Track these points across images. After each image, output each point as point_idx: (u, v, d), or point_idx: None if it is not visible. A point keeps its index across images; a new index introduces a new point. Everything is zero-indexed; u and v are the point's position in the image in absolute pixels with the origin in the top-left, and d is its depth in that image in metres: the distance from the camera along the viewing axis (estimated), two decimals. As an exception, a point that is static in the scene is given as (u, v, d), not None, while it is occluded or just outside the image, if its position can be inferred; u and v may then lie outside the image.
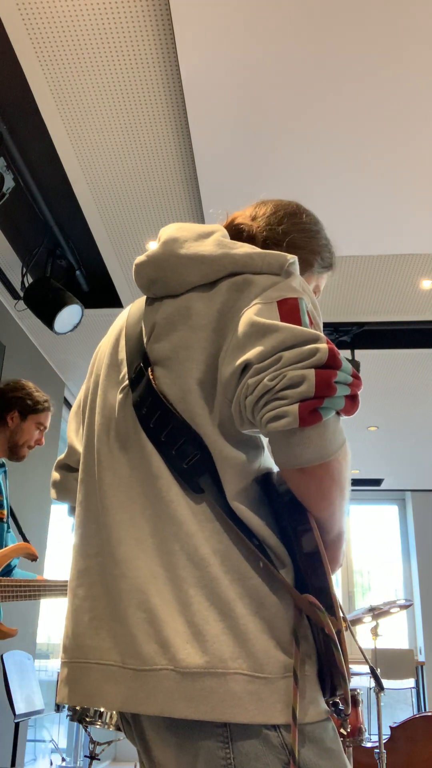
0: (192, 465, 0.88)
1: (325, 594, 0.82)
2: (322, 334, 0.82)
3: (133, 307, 1.07)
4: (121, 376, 1.01)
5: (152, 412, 0.92)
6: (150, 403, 0.92)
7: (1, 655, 3.09)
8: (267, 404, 0.79)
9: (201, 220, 3.13)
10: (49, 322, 3.24)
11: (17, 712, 2.93)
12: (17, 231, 3.28)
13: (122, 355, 1.03)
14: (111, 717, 2.94)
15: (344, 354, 4.08)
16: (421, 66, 2.26)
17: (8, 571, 2.20)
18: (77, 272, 3.53)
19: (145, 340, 0.98)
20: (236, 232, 1.09)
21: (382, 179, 2.78)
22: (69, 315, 3.29)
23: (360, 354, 4.21)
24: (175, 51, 2.27)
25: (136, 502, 0.91)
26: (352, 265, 3.46)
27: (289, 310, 0.84)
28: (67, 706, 3.06)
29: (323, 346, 0.79)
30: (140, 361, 0.97)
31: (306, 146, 2.63)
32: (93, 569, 0.93)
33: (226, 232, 1.02)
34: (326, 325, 4.01)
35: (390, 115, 2.47)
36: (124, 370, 1.00)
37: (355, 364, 4.01)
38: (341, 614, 0.84)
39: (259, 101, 2.43)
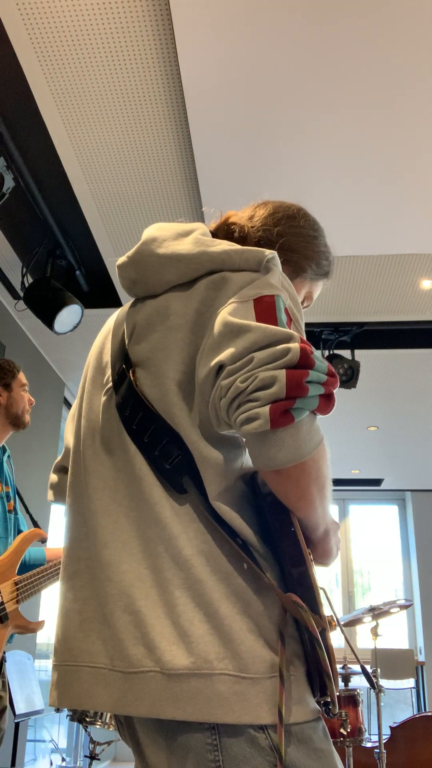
0: (174, 465, 0.88)
1: (308, 592, 0.83)
2: (295, 333, 0.81)
3: (121, 310, 1.07)
4: (105, 379, 1.01)
5: (135, 414, 0.92)
6: (132, 404, 0.92)
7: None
8: (240, 406, 0.79)
9: (201, 220, 3.12)
10: (49, 322, 3.24)
11: (17, 712, 2.93)
12: (17, 231, 3.28)
13: (107, 358, 1.03)
14: (111, 717, 2.94)
15: (344, 354, 4.09)
16: (424, 67, 2.26)
17: (21, 562, 2.21)
18: (77, 272, 3.53)
19: (126, 341, 0.99)
20: (228, 231, 1.08)
21: (382, 179, 2.78)
22: (69, 315, 3.29)
23: (360, 354, 4.20)
24: (175, 51, 2.27)
25: (121, 504, 0.91)
26: (352, 265, 3.46)
27: (265, 308, 0.84)
28: (67, 706, 3.05)
29: (294, 345, 0.78)
30: (122, 363, 0.97)
31: (306, 146, 2.63)
32: (83, 572, 0.94)
33: (206, 230, 1.02)
34: (326, 325, 4.01)
35: (391, 115, 2.47)
36: (108, 372, 1.01)
37: (355, 364, 4.01)
38: (328, 613, 0.85)
39: (259, 101, 2.43)
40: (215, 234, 1.09)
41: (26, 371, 4.17)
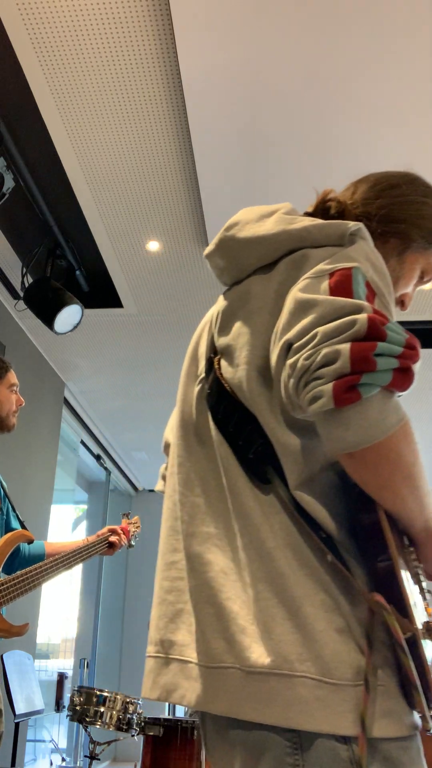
0: (257, 454, 0.84)
1: (394, 593, 0.75)
2: (366, 304, 0.74)
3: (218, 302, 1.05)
4: (199, 370, 0.99)
5: (220, 403, 0.89)
6: (217, 393, 0.90)
7: (1, 655, 3.09)
8: (306, 385, 0.73)
9: (201, 220, 3.13)
10: (49, 322, 3.24)
11: (17, 712, 2.93)
12: (17, 231, 3.28)
13: (202, 349, 1.01)
14: (111, 717, 2.94)
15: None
16: (426, 67, 2.26)
17: (17, 558, 2.18)
18: (77, 272, 3.53)
19: (214, 330, 0.97)
20: (324, 209, 1.01)
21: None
22: (69, 315, 3.29)
23: (360, 354, 4.20)
24: (175, 51, 2.27)
25: (210, 495, 0.89)
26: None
27: (340, 281, 0.77)
28: (67, 706, 3.06)
29: (362, 316, 0.72)
30: (211, 352, 0.96)
31: (306, 146, 2.63)
32: (179, 563, 0.92)
33: (291, 208, 0.95)
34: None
35: (393, 115, 2.47)
36: (202, 363, 0.99)
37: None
38: (424, 617, 0.78)
39: (259, 101, 2.43)
40: (313, 214, 1.01)
41: (26, 371, 4.17)
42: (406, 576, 0.78)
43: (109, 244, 3.34)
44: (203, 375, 0.97)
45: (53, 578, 2.09)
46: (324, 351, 0.72)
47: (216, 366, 0.92)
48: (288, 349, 0.78)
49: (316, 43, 2.19)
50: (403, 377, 0.73)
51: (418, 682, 0.72)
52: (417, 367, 0.75)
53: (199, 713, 0.89)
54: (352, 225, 0.85)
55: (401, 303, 1.05)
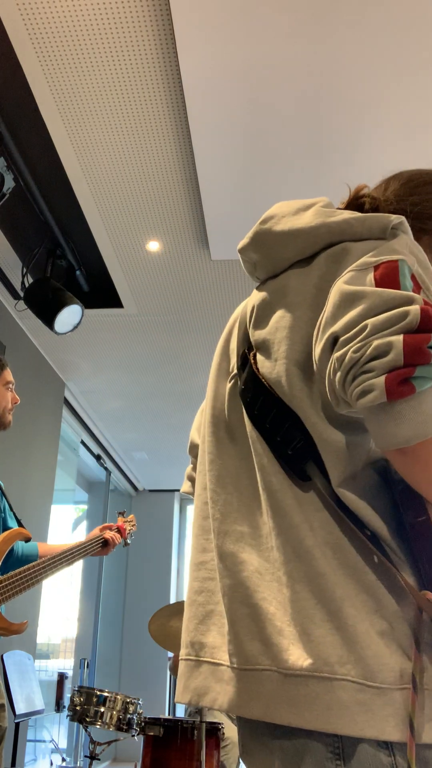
0: (297, 451, 0.82)
1: None
2: (417, 296, 0.71)
3: (250, 297, 1.03)
4: (231, 366, 0.98)
5: (256, 398, 0.87)
6: (253, 389, 0.87)
7: (1, 655, 3.09)
8: (355, 379, 0.71)
9: (201, 220, 3.13)
10: (49, 322, 3.24)
11: (17, 712, 2.93)
12: (17, 231, 3.28)
13: (233, 344, 0.99)
14: (111, 717, 2.94)
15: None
16: (428, 64, 2.26)
17: (11, 558, 2.19)
18: (77, 272, 3.53)
19: (248, 325, 0.94)
20: (358, 205, 0.99)
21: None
22: (69, 315, 3.29)
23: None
24: (175, 51, 2.27)
25: (243, 494, 0.87)
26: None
27: (386, 273, 0.75)
28: (67, 706, 3.06)
29: (414, 308, 0.69)
30: (245, 347, 0.93)
31: (307, 146, 2.63)
32: (209, 563, 0.90)
33: (329, 202, 0.93)
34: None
35: (394, 114, 2.47)
36: (234, 359, 0.97)
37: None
38: None
39: (260, 100, 2.43)
40: (345, 209, 0.99)
41: (26, 371, 4.17)
42: None
43: (109, 244, 3.34)
44: (236, 371, 0.95)
45: (48, 578, 2.09)
46: (375, 343, 0.69)
47: (252, 361, 0.89)
48: (334, 342, 0.75)
49: (317, 43, 2.19)
50: None
51: None
52: None
53: (238, 718, 0.87)
54: (395, 218, 0.83)
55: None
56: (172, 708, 5.32)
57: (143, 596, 7.21)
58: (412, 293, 0.72)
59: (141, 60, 2.32)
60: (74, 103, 2.50)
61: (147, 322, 4.07)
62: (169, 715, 5.35)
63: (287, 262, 0.91)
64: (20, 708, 2.96)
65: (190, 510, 8.05)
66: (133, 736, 2.97)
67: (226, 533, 0.87)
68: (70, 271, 3.52)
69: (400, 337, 0.68)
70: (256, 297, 0.95)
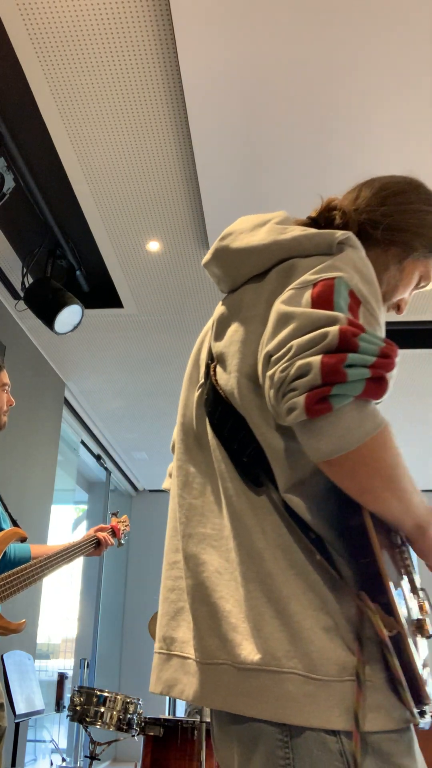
0: (251, 458, 0.87)
1: (377, 591, 0.77)
2: (341, 316, 0.76)
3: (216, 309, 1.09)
4: (200, 376, 1.02)
5: (215, 408, 0.93)
6: (213, 399, 0.93)
7: (1, 655, 3.09)
8: (284, 396, 0.76)
9: (201, 220, 3.13)
10: (49, 322, 3.24)
11: (17, 712, 2.93)
12: (17, 231, 3.28)
13: (203, 354, 1.04)
14: (111, 717, 2.94)
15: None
16: (427, 65, 2.25)
17: (3, 559, 2.19)
18: (77, 272, 3.53)
19: (211, 338, 1.00)
20: (329, 218, 1.02)
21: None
22: (69, 315, 3.29)
23: (360, 354, 4.19)
24: (175, 51, 2.27)
25: (207, 498, 0.93)
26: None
27: (322, 291, 0.80)
28: (67, 706, 3.06)
29: (333, 329, 0.74)
30: (208, 358, 0.99)
31: (307, 146, 2.63)
32: (180, 563, 0.95)
33: (285, 217, 0.98)
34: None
35: (395, 115, 2.46)
36: (202, 369, 1.02)
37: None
38: (410, 615, 0.79)
39: (260, 100, 2.43)
40: (315, 221, 1.03)
41: (26, 371, 4.17)
42: (393, 575, 0.80)
43: (109, 244, 3.34)
44: (203, 381, 1.00)
45: (44, 578, 2.10)
46: (297, 363, 0.75)
47: (212, 372, 0.95)
48: (269, 360, 0.80)
49: (318, 43, 2.19)
50: (376, 386, 0.75)
51: (402, 679, 0.75)
52: (394, 374, 0.77)
53: (211, 711, 0.92)
54: (340, 234, 0.87)
55: (397, 307, 1.09)
56: (173, 708, 5.32)
57: (143, 596, 7.21)
58: (336, 314, 0.76)
59: (141, 60, 2.32)
60: (74, 103, 2.50)
61: (147, 322, 4.07)
62: (169, 715, 5.35)
63: (244, 277, 0.96)
64: (20, 708, 2.96)
65: (190, 510, 8.04)
66: (133, 736, 2.97)
67: (190, 536, 0.92)
68: (70, 271, 3.52)
69: (319, 358, 0.73)
70: (217, 311, 1.01)
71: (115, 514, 2.64)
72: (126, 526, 2.58)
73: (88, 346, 4.38)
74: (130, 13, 2.15)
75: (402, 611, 0.78)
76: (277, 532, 0.83)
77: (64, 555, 2.20)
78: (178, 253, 3.39)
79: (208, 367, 0.98)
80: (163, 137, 2.66)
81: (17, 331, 4.06)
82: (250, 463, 0.87)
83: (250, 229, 0.96)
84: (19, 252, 3.41)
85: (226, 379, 0.92)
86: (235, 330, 0.93)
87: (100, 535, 2.37)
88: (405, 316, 3.92)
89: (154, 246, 3.35)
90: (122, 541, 2.53)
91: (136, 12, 2.15)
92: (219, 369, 0.95)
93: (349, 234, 0.88)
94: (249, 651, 0.79)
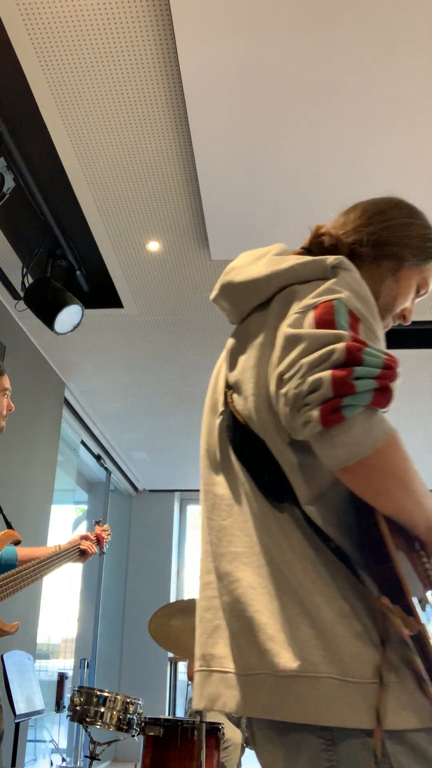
0: (271, 476, 0.93)
1: (396, 593, 0.82)
2: (345, 333, 0.83)
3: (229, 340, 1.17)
4: (219, 404, 1.09)
5: (235, 433, 1.00)
6: (233, 425, 1.01)
7: (1, 655, 3.09)
8: (299, 411, 0.82)
9: (201, 221, 3.13)
10: (49, 322, 3.24)
11: (17, 712, 2.93)
12: (17, 231, 3.28)
13: (220, 383, 1.11)
14: (111, 717, 2.94)
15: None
16: (426, 63, 2.26)
17: None
18: (77, 272, 3.53)
19: (225, 369, 1.08)
20: (319, 243, 1.10)
21: (381, 179, 2.78)
22: (69, 315, 3.29)
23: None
24: (175, 51, 2.27)
25: (235, 519, 0.98)
26: (352, 265, 3.45)
27: (323, 313, 0.87)
28: (67, 706, 3.06)
29: (339, 345, 0.81)
30: (225, 387, 1.07)
31: (307, 146, 2.63)
32: (213, 583, 1.00)
33: (282, 248, 1.06)
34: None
35: (394, 112, 2.46)
36: (221, 397, 1.09)
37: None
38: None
39: (260, 101, 2.43)
40: (309, 249, 1.11)
41: (26, 371, 4.17)
42: (411, 578, 0.85)
43: (109, 244, 3.34)
44: (222, 408, 1.07)
45: (30, 585, 2.12)
46: (309, 379, 0.81)
47: (229, 400, 1.03)
48: (281, 379, 0.87)
49: (318, 43, 2.19)
50: (382, 396, 0.81)
51: (425, 675, 0.80)
52: (398, 383, 0.83)
53: (246, 720, 0.97)
54: (333, 259, 0.95)
55: (402, 317, 1.15)
56: (173, 708, 5.32)
57: (143, 596, 7.21)
58: (340, 332, 0.84)
59: (141, 60, 2.32)
60: (74, 103, 2.50)
61: (147, 322, 4.07)
62: (169, 715, 5.34)
63: (249, 307, 1.05)
64: (20, 708, 2.96)
65: (191, 510, 8.05)
66: (133, 736, 2.98)
67: (222, 555, 0.98)
68: (70, 271, 3.52)
69: (329, 372, 0.80)
70: (229, 343, 1.10)
71: (98, 523, 2.68)
72: (108, 534, 2.64)
73: (88, 346, 4.38)
74: (130, 13, 2.15)
75: (421, 611, 0.82)
76: (303, 545, 0.89)
77: (49, 563, 2.24)
78: (178, 253, 3.39)
79: (225, 395, 1.05)
80: (163, 137, 2.66)
81: (17, 332, 4.06)
82: (271, 482, 0.93)
83: (250, 263, 1.04)
84: (19, 252, 3.41)
85: (243, 404, 0.99)
86: (246, 358, 1.01)
87: (84, 545, 2.43)
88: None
89: (154, 246, 3.34)
90: (104, 550, 2.58)
91: (136, 12, 2.15)
92: (236, 396, 1.02)
93: (341, 258, 0.96)
94: (287, 659, 0.83)
